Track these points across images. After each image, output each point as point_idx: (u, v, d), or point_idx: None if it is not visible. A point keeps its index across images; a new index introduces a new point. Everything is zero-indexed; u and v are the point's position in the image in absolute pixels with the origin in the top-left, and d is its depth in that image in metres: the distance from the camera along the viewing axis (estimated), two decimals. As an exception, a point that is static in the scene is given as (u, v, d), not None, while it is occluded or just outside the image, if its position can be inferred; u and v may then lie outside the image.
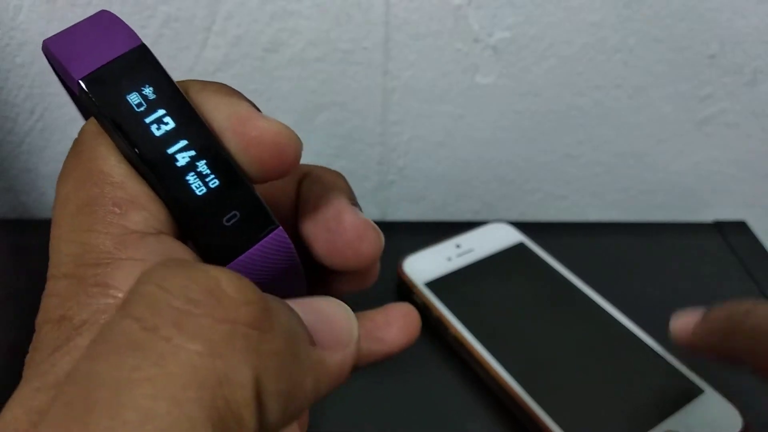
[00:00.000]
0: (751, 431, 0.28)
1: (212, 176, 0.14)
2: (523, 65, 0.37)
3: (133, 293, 0.11)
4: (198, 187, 0.14)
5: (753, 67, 0.38)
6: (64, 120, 0.39)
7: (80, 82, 0.13)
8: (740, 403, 0.29)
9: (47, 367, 0.12)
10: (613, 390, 0.30)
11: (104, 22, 0.14)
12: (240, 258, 0.14)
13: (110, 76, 0.14)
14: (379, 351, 0.20)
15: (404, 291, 0.36)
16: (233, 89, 0.16)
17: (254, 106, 0.15)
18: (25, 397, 0.12)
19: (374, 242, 0.17)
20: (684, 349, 0.26)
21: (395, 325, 0.20)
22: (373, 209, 0.44)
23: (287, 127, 0.15)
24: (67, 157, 0.15)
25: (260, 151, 0.14)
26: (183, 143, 0.14)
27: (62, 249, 0.14)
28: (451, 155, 0.41)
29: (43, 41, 0.14)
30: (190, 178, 0.14)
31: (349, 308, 0.15)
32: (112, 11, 0.15)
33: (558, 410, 0.28)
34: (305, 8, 0.35)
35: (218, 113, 0.15)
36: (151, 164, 0.14)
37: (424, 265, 0.36)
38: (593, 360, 0.31)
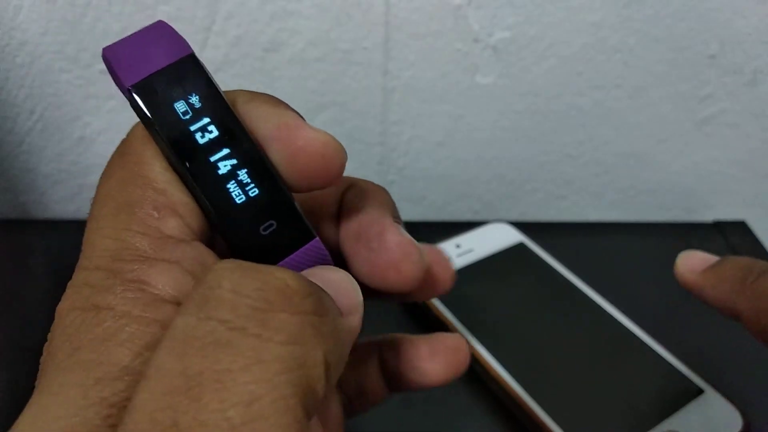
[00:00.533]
0: (751, 431, 0.28)
1: (252, 185, 0.14)
2: (523, 65, 0.37)
3: (207, 297, 0.12)
4: (237, 195, 0.14)
5: (753, 67, 0.38)
6: (64, 120, 0.39)
7: (129, 89, 0.14)
8: (740, 403, 0.29)
9: (95, 356, 0.12)
10: (613, 390, 0.30)
11: (159, 32, 0.15)
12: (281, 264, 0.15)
13: (159, 84, 0.14)
14: (417, 382, 0.19)
15: (404, 291, 0.36)
16: (280, 100, 0.16)
17: (301, 117, 0.16)
18: (85, 388, 0.12)
19: (416, 264, 0.16)
20: (684, 288, 0.25)
21: (441, 359, 0.19)
22: (373, 209, 0.44)
23: (334, 138, 0.15)
24: (113, 156, 0.15)
25: (306, 161, 0.15)
26: (225, 152, 0.14)
27: (98, 243, 0.14)
28: (451, 155, 0.41)
29: (102, 49, 0.15)
30: (231, 186, 0.14)
31: (348, 274, 0.15)
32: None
33: (558, 410, 0.28)
34: (305, 8, 0.35)
35: (265, 122, 0.15)
36: (193, 171, 0.14)
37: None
38: (593, 360, 0.31)
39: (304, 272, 0.14)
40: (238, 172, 0.14)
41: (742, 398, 0.29)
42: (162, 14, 0.34)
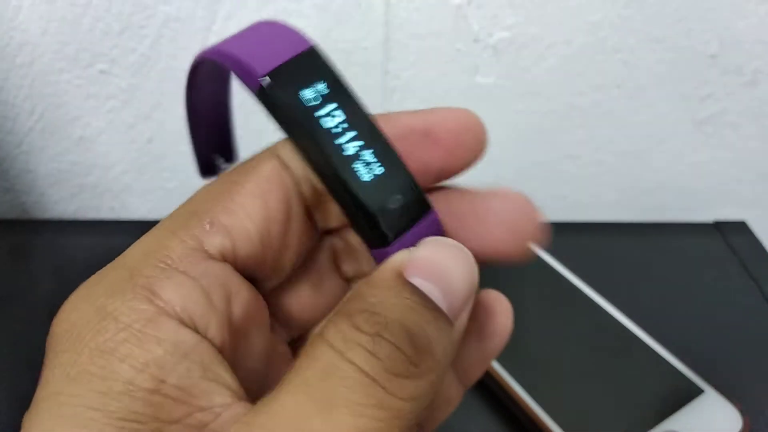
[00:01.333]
0: (751, 431, 0.28)
1: (378, 163, 0.15)
2: (523, 65, 0.37)
3: (351, 339, 0.13)
4: (364, 174, 0.15)
5: (753, 67, 0.38)
6: (64, 120, 0.39)
7: (260, 80, 0.15)
8: (740, 403, 0.29)
9: (95, 369, 0.12)
10: (613, 390, 0.30)
11: (270, 28, 0.16)
12: (400, 239, 0.15)
13: (287, 74, 0.15)
14: (495, 346, 0.19)
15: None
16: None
17: None
18: (90, 399, 0.12)
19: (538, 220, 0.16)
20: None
21: (498, 311, 0.19)
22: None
23: (470, 111, 0.16)
24: (241, 165, 0.16)
25: (443, 138, 0.15)
26: (352, 134, 0.15)
27: (144, 240, 0.15)
28: (451, 155, 0.41)
29: (217, 47, 0.15)
30: (357, 165, 0.15)
31: (464, 250, 0.15)
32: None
33: (558, 410, 0.28)
34: (305, 8, 0.35)
35: (399, 120, 0.16)
36: (321, 154, 0.15)
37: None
38: (593, 360, 0.31)
39: (416, 252, 0.14)
40: (363, 153, 0.15)
41: (742, 398, 0.29)
42: (162, 14, 0.34)
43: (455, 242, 0.14)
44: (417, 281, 0.13)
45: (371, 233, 0.15)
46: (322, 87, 0.15)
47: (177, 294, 0.13)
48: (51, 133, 0.39)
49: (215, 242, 0.14)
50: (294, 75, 0.15)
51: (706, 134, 0.41)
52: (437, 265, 0.14)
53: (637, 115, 0.40)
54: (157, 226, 0.15)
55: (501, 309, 0.19)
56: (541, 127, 0.40)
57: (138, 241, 0.15)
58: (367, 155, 0.15)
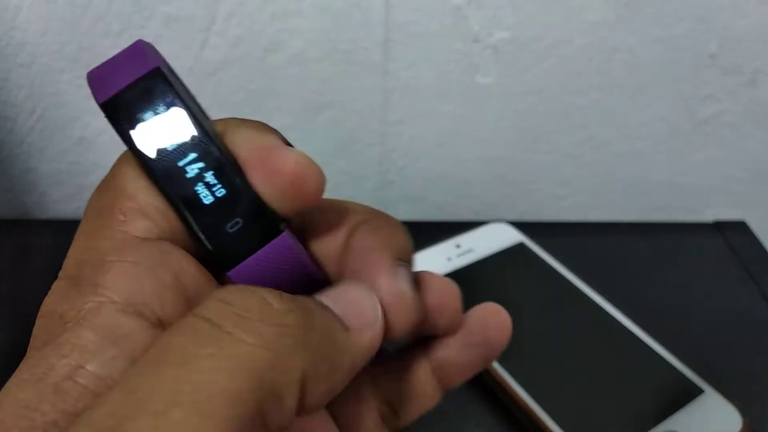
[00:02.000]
0: (751, 431, 0.28)
1: (219, 186, 0.15)
2: (523, 65, 0.37)
3: (203, 306, 0.13)
4: (205, 196, 0.15)
5: (753, 67, 0.38)
6: (64, 120, 0.39)
7: (101, 106, 0.15)
8: (740, 403, 0.29)
9: (36, 360, 0.13)
10: (613, 390, 0.30)
11: (133, 50, 0.16)
12: (244, 263, 0.15)
13: (126, 99, 0.15)
14: (483, 357, 0.19)
15: (404, 291, 0.36)
16: (268, 127, 0.16)
17: (283, 140, 0.16)
18: (13, 389, 0.13)
19: (408, 315, 0.16)
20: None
21: (492, 324, 0.19)
22: (373, 209, 0.44)
23: (308, 158, 0.15)
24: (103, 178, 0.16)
25: (281, 182, 0.15)
26: (192, 156, 0.15)
27: (72, 254, 0.15)
28: (451, 155, 0.41)
29: (87, 73, 0.16)
30: (199, 187, 0.15)
31: (371, 290, 0.16)
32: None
33: (558, 410, 0.28)
34: (305, 8, 0.35)
35: (245, 144, 0.15)
36: (162, 175, 0.15)
37: (424, 265, 0.36)
38: (593, 360, 0.31)
39: (329, 293, 0.15)
40: (205, 174, 0.15)
41: (742, 398, 0.29)
42: (162, 14, 0.34)
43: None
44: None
45: (208, 257, 0.15)
46: (161, 109, 0.15)
47: (120, 281, 0.14)
48: (51, 133, 0.39)
49: (139, 226, 0.15)
50: (133, 100, 0.15)
51: (706, 134, 0.41)
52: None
53: (637, 115, 0.40)
54: (76, 237, 0.15)
55: (495, 322, 0.19)
56: (541, 127, 0.40)
57: (66, 259, 0.15)
58: (209, 177, 0.15)
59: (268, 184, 0.15)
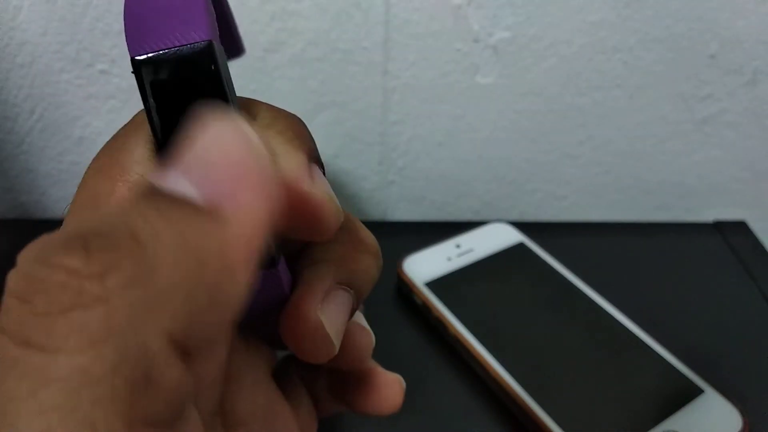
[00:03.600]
0: (751, 431, 0.28)
1: None
2: (523, 65, 0.37)
3: (2, 308, 0.09)
4: None
5: (753, 67, 0.38)
6: (64, 120, 0.39)
7: (134, 60, 0.13)
8: (740, 403, 0.29)
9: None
10: (613, 390, 0.30)
11: None
12: None
13: (165, 66, 0.13)
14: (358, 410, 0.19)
15: (404, 291, 0.36)
16: (299, 132, 0.15)
17: (314, 155, 0.15)
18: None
19: (321, 348, 0.15)
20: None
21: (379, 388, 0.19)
22: (373, 209, 0.44)
23: (330, 198, 0.14)
24: (110, 139, 0.14)
25: (297, 219, 0.14)
26: None
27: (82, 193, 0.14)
28: (451, 155, 0.41)
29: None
30: None
31: (237, 124, 0.10)
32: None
33: (558, 410, 0.28)
34: (305, 8, 0.35)
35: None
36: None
37: (424, 265, 0.36)
38: (593, 360, 0.31)
39: (178, 152, 0.10)
40: None
41: (742, 398, 0.29)
42: (162, 14, 0.34)
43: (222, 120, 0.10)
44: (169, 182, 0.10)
45: None
46: (199, 91, 0.13)
47: None
48: (51, 133, 0.39)
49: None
50: (173, 69, 0.13)
51: (706, 134, 0.41)
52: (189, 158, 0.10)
53: (637, 115, 0.40)
54: (63, 225, 0.13)
55: (383, 388, 0.20)
56: (541, 127, 0.40)
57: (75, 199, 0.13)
58: None
59: (283, 213, 0.14)
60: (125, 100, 0.38)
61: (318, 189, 0.14)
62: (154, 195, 0.10)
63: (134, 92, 0.37)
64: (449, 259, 0.37)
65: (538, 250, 0.38)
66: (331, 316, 0.15)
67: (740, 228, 0.44)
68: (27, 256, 0.09)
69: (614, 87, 0.39)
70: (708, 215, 0.45)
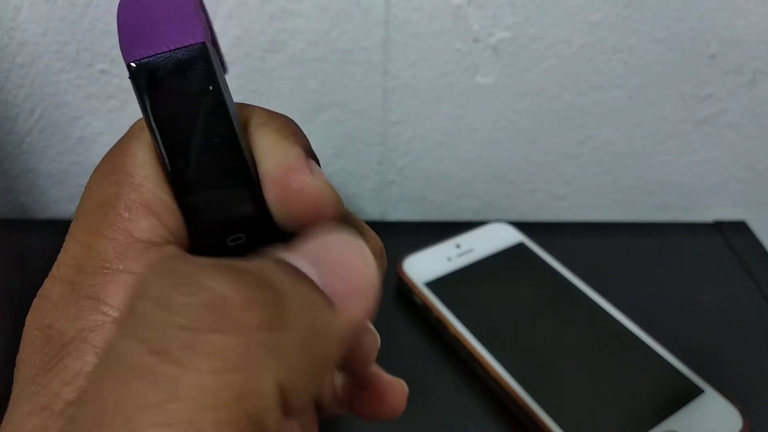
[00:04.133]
0: (751, 431, 0.28)
1: (234, 196, 0.14)
2: (523, 65, 0.37)
3: (131, 311, 0.10)
4: (217, 202, 0.14)
5: (753, 67, 0.38)
6: (64, 120, 0.39)
7: (130, 65, 0.13)
8: (740, 403, 0.29)
9: (37, 388, 0.12)
10: (613, 390, 0.30)
11: (177, 1, 0.13)
12: None
13: (162, 69, 0.13)
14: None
15: (404, 291, 0.36)
16: (293, 130, 0.15)
17: (309, 151, 0.15)
18: (17, 422, 0.12)
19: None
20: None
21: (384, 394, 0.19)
22: (373, 209, 0.44)
23: (329, 187, 0.15)
24: (111, 148, 0.15)
25: (297, 206, 0.14)
26: (215, 155, 0.14)
27: (69, 249, 0.14)
28: (451, 155, 0.41)
29: (119, 2, 0.13)
30: (213, 191, 0.14)
31: (361, 241, 0.12)
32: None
33: (558, 410, 0.28)
34: (305, 8, 0.35)
35: (268, 157, 0.14)
36: (178, 168, 0.13)
37: (424, 265, 0.36)
38: (593, 360, 0.31)
39: (305, 250, 0.12)
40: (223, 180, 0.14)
41: (742, 398, 0.29)
42: (162, 14, 0.34)
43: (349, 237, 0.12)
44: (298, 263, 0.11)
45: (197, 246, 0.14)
46: (196, 92, 0.13)
47: (123, 296, 0.12)
48: (51, 133, 0.39)
49: (144, 226, 0.13)
50: (168, 71, 0.13)
51: (706, 134, 0.41)
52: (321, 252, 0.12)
53: (637, 115, 0.40)
54: (71, 232, 0.14)
55: (387, 393, 0.19)
56: (541, 127, 0.40)
57: (62, 253, 0.14)
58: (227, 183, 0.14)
59: (283, 205, 0.14)
60: (125, 100, 0.38)
61: (317, 178, 0.14)
62: (288, 267, 0.11)
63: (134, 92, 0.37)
64: (449, 259, 0.37)
65: (538, 250, 0.38)
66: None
67: (740, 228, 0.44)
68: (168, 268, 0.10)
69: (614, 87, 0.39)
70: (708, 215, 0.45)
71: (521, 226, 0.40)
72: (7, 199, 0.42)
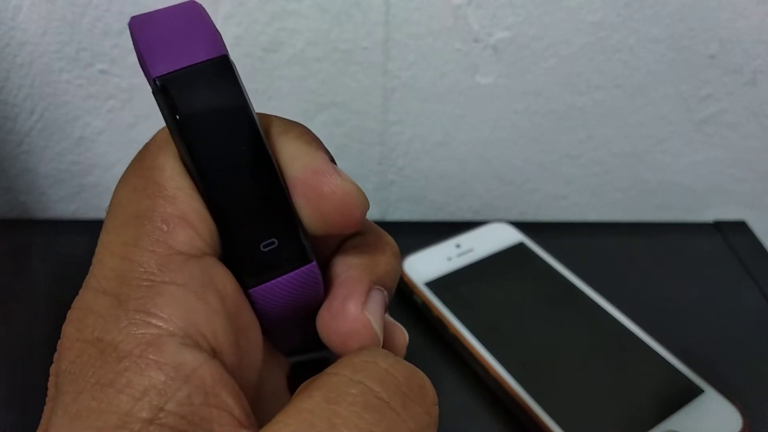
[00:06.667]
0: (751, 431, 0.28)
1: (265, 200, 0.14)
2: (523, 65, 0.37)
3: (362, 366, 0.13)
4: (249, 208, 0.14)
5: (753, 67, 0.38)
6: (64, 120, 0.39)
7: (156, 80, 0.13)
8: (740, 403, 0.29)
9: (98, 404, 0.12)
10: (613, 390, 0.30)
11: (193, 17, 0.14)
12: (268, 284, 0.15)
13: (188, 82, 0.13)
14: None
15: (404, 291, 0.36)
16: (314, 136, 0.16)
17: (330, 158, 0.16)
18: None
19: (362, 340, 0.16)
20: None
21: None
22: (373, 209, 0.44)
23: (358, 188, 0.15)
24: (132, 160, 0.15)
25: (328, 208, 0.15)
26: (245, 164, 0.14)
27: (106, 261, 0.14)
28: (451, 155, 0.41)
29: (131, 19, 0.14)
30: (245, 198, 0.14)
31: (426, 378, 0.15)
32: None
33: (558, 410, 0.28)
34: (305, 8, 0.35)
35: (295, 162, 0.15)
36: (210, 178, 0.14)
37: (424, 265, 0.36)
38: (593, 360, 0.31)
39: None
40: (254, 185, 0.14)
41: (742, 398, 0.29)
42: (162, 14, 0.34)
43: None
44: None
45: (238, 272, 0.14)
46: (222, 103, 0.13)
47: (174, 308, 0.13)
48: (51, 133, 0.39)
49: (182, 239, 0.13)
50: (197, 86, 0.13)
51: (706, 134, 0.41)
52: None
53: (637, 115, 0.40)
54: (104, 244, 0.14)
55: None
56: (541, 127, 0.40)
57: (97, 265, 0.14)
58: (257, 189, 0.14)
59: (313, 209, 0.15)
60: (125, 100, 0.38)
61: (345, 179, 0.15)
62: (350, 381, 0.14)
63: (134, 92, 0.37)
64: (449, 259, 0.37)
65: (538, 250, 0.38)
66: (374, 315, 0.16)
67: (740, 228, 0.44)
68: (389, 355, 0.14)
69: (614, 87, 0.39)
70: (708, 215, 0.45)
71: (521, 226, 0.40)
72: (7, 199, 0.42)
